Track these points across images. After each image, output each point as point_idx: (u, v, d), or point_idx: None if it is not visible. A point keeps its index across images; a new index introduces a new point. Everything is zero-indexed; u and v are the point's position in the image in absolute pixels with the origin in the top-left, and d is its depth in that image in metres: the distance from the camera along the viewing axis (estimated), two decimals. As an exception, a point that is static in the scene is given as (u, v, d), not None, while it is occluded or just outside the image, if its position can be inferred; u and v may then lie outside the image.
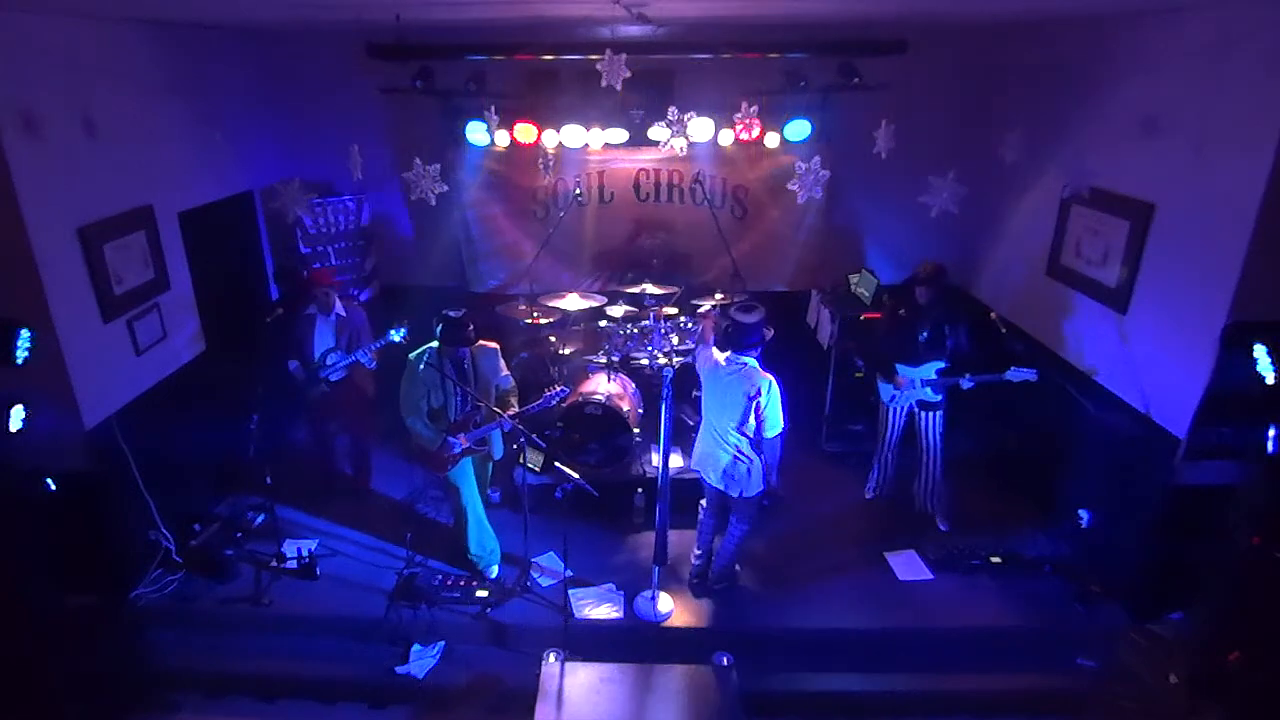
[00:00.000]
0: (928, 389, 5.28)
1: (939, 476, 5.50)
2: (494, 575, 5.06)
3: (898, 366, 5.32)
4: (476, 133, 6.25)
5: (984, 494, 5.95)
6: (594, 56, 4.60)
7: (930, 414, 5.37)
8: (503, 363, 4.90)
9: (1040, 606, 4.87)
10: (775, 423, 4.41)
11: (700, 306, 6.38)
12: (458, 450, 4.77)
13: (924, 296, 5.20)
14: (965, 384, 5.13)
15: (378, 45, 5.99)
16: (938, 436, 5.40)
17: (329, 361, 5.28)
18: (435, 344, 4.66)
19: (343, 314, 5.40)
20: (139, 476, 4.81)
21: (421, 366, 4.64)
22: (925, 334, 5.23)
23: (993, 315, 5.56)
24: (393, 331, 5.18)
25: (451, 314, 4.60)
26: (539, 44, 6.13)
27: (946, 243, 6.70)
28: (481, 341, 4.80)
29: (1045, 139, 5.57)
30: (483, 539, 5.03)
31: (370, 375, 5.59)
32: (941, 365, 5.22)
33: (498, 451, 5.04)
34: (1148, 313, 4.66)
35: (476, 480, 5.09)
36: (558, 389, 4.80)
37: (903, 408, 5.46)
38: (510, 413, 4.73)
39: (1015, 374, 4.98)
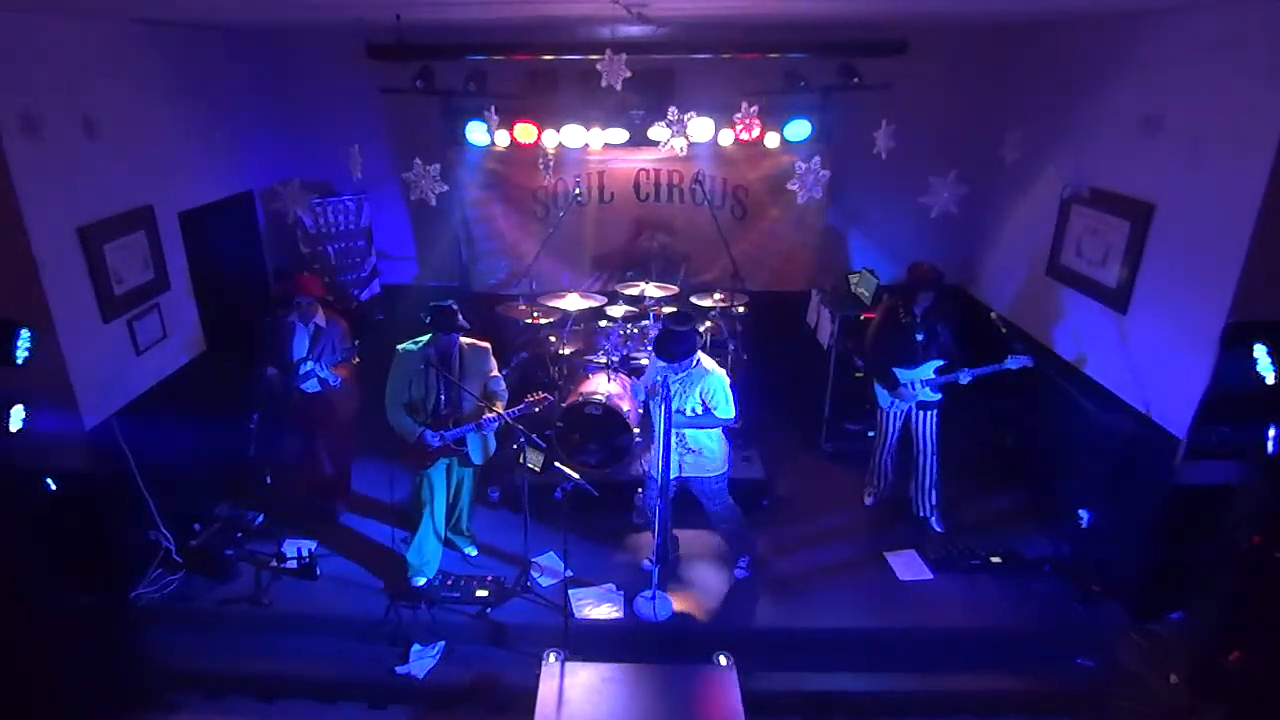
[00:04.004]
0: (926, 389, 5.25)
1: (935, 477, 5.49)
2: (418, 583, 4.95)
3: (896, 371, 5.28)
4: (476, 133, 6.26)
5: (984, 494, 5.94)
6: (594, 56, 4.61)
7: (926, 413, 5.35)
8: (494, 364, 4.84)
9: (1040, 606, 4.87)
10: (725, 411, 4.59)
11: (701, 305, 6.40)
12: (435, 446, 4.72)
13: (927, 300, 5.14)
14: (964, 379, 5.10)
15: (378, 45, 5.99)
16: (933, 436, 5.38)
17: (301, 371, 5.15)
18: (425, 338, 4.66)
19: (321, 325, 5.22)
20: (139, 476, 4.81)
21: (401, 347, 4.66)
22: (921, 335, 5.19)
23: (993, 315, 5.57)
24: (349, 350, 5.12)
25: (439, 303, 4.59)
26: (539, 44, 6.13)
27: (946, 243, 6.71)
28: (473, 340, 4.79)
29: (1045, 139, 5.57)
30: (423, 548, 4.95)
31: (353, 390, 5.40)
32: (939, 364, 5.20)
33: (476, 456, 4.89)
34: (1148, 313, 4.66)
35: (465, 493, 5.13)
36: (541, 396, 4.73)
37: (901, 411, 5.44)
38: (488, 415, 4.67)
39: (1014, 361, 4.98)
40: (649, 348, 6.07)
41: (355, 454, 5.87)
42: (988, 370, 5.07)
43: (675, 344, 4.47)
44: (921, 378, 5.24)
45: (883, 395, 5.43)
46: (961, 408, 5.48)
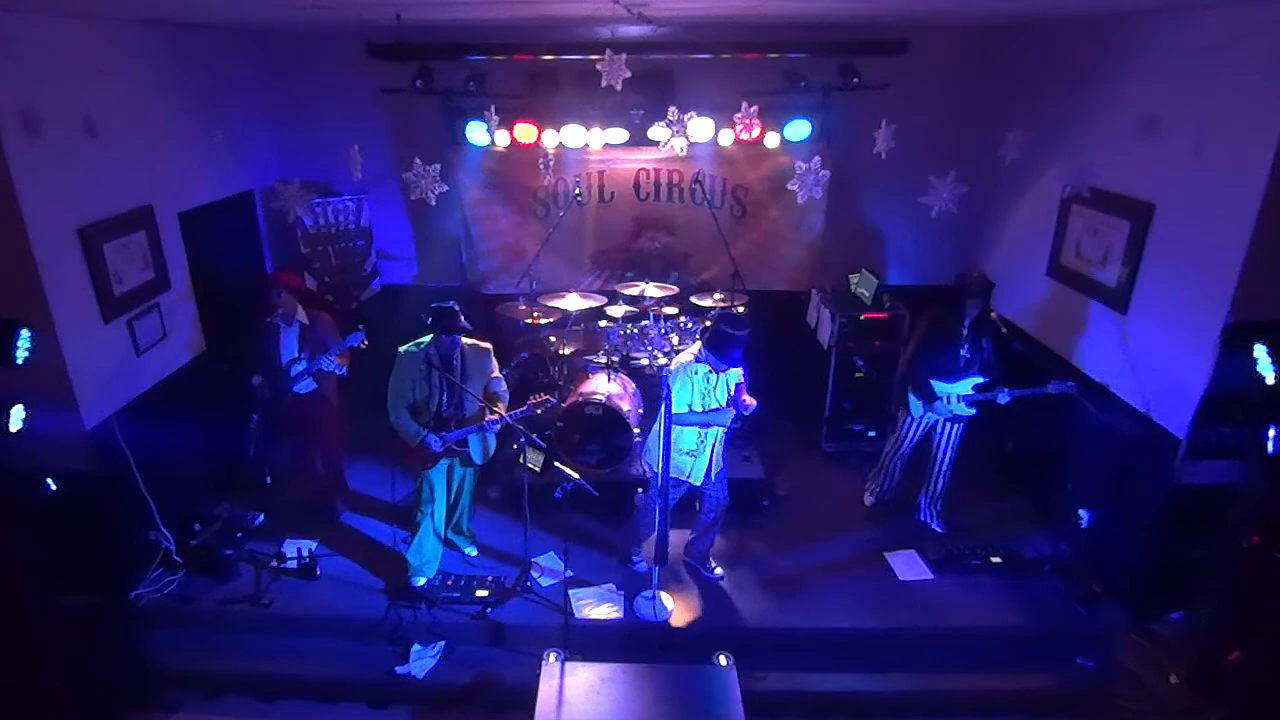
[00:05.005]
0: (961, 404, 5.12)
1: (944, 487, 5.47)
2: (418, 583, 4.95)
3: (934, 383, 5.13)
4: (476, 133, 6.26)
5: (984, 494, 5.94)
6: (594, 56, 4.60)
7: (953, 426, 5.27)
8: (495, 364, 4.83)
9: (1040, 606, 4.87)
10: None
11: (701, 305, 6.40)
12: (437, 449, 4.71)
13: (975, 310, 4.98)
14: (1003, 398, 4.97)
15: (378, 45, 5.99)
16: (954, 449, 5.33)
17: (294, 372, 5.11)
18: (426, 339, 4.64)
19: (305, 322, 5.18)
20: (139, 476, 4.81)
21: (403, 349, 4.64)
22: (966, 349, 5.05)
23: (993, 315, 5.55)
24: (353, 336, 5.01)
25: (441, 304, 4.57)
26: (539, 44, 6.13)
27: (946, 243, 6.72)
28: (474, 341, 4.78)
29: (1045, 139, 5.56)
30: (423, 549, 4.95)
31: (334, 388, 5.38)
32: (979, 380, 5.07)
33: (477, 457, 4.88)
34: (1148, 313, 4.66)
35: (465, 493, 5.12)
36: (543, 398, 4.72)
37: (929, 421, 5.33)
38: (491, 417, 4.67)
39: (1056, 386, 4.83)
40: (649, 347, 6.08)
41: (347, 450, 5.86)
42: (1028, 393, 4.92)
43: (735, 348, 4.32)
44: (959, 393, 5.11)
45: (915, 405, 5.28)
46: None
